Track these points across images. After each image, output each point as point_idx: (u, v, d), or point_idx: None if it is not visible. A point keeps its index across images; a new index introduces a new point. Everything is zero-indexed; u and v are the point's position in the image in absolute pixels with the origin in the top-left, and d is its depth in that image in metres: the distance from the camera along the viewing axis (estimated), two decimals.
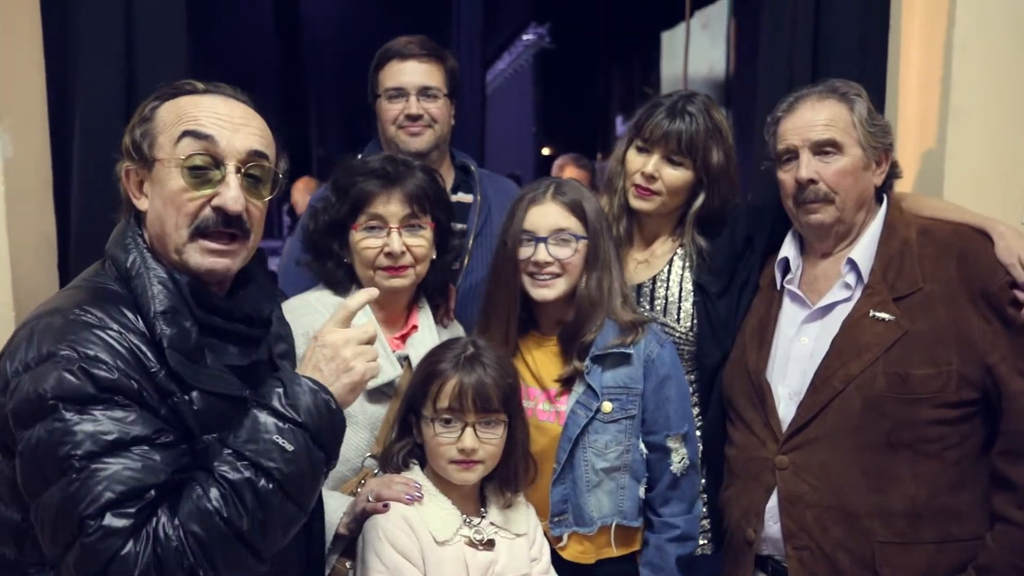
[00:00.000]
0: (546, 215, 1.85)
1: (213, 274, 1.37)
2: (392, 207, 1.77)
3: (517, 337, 1.90)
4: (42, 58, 2.02)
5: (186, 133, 1.32)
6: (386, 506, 1.58)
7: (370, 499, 1.61)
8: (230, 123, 1.36)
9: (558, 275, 1.83)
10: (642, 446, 1.85)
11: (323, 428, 1.28)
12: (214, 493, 1.22)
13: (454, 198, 2.33)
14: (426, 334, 1.84)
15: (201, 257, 1.35)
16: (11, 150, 1.94)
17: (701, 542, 2.03)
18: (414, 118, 2.26)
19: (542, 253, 1.82)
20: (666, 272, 2.05)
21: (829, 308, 1.83)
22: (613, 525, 1.83)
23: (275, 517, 1.25)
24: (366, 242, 1.77)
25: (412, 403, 1.65)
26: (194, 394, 1.30)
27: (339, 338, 1.34)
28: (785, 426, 1.80)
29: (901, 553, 1.70)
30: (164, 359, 1.27)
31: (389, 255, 1.76)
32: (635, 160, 2.00)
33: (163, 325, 1.29)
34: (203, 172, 1.33)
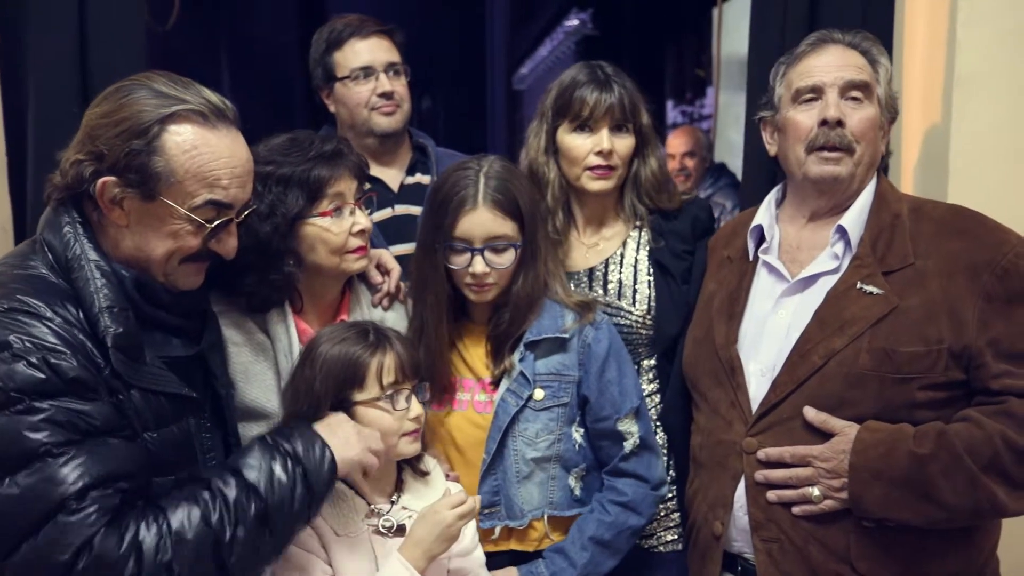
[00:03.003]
0: (480, 223, 1.70)
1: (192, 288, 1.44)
2: (348, 184, 1.70)
3: (451, 329, 1.80)
4: None
5: (210, 203, 1.34)
6: None
7: None
8: (240, 179, 1.38)
9: (494, 282, 1.73)
10: (575, 435, 1.77)
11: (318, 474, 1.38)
12: (206, 496, 1.28)
13: (411, 179, 2.31)
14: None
15: (188, 279, 1.41)
16: None
17: (671, 537, 1.95)
18: (388, 96, 2.21)
19: (479, 265, 1.70)
20: (619, 255, 1.98)
21: (811, 280, 1.68)
22: (545, 517, 1.76)
23: (253, 541, 1.30)
24: (334, 227, 1.68)
25: (320, 404, 1.53)
26: (134, 392, 1.31)
27: None
28: (755, 406, 1.65)
29: (879, 545, 1.56)
30: (107, 356, 1.27)
31: (361, 233, 1.70)
32: (580, 142, 1.91)
33: (108, 321, 1.28)
34: (211, 224, 1.37)
